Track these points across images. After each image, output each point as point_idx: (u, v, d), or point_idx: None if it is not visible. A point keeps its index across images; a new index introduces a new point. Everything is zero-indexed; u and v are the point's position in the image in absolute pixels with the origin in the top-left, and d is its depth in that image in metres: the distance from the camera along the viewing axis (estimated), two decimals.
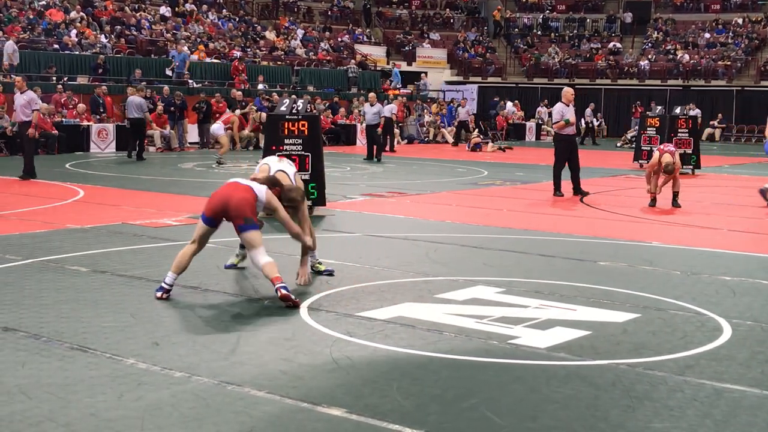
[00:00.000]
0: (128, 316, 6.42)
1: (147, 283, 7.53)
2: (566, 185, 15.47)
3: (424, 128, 33.74)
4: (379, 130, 22.74)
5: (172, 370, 5.15)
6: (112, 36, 30.65)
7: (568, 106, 15.41)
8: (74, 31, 29.14)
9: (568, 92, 15.64)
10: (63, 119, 23.77)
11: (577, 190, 15.27)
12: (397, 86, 34.83)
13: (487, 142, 29.69)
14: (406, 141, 32.25)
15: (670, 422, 4.50)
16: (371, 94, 24.48)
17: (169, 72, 28.97)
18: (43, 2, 31.05)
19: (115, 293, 7.14)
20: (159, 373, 5.11)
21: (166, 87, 26.86)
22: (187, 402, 4.64)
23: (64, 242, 9.48)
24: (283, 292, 6.72)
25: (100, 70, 27.23)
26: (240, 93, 28.20)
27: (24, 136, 16.31)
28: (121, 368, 5.18)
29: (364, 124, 26.77)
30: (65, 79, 26.21)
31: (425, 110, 34.15)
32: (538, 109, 38.65)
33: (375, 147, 22.70)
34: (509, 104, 38.46)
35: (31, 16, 29.34)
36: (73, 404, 4.57)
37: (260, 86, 30.73)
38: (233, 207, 6.96)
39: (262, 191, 7.12)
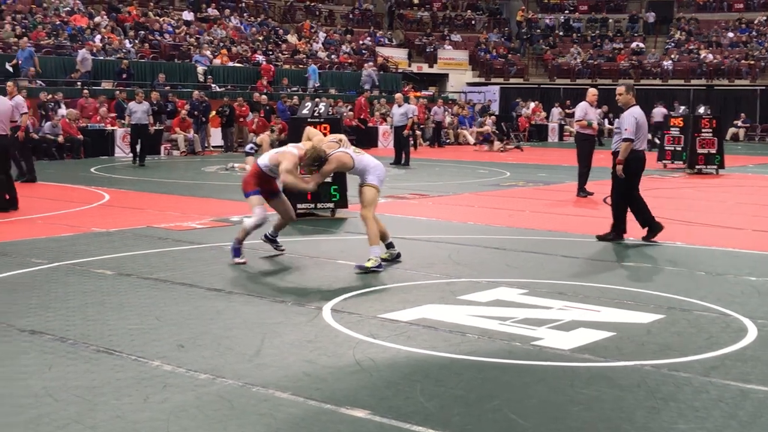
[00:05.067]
0: (153, 318, 6.46)
1: (172, 285, 7.58)
2: (589, 186, 15.40)
3: (445, 130, 33.69)
4: (406, 131, 22.67)
5: (197, 372, 5.18)
6: (136, 41, 30.86)
7: (592, 106, 15.37)
8: (98, 37, 29.38)
9: (591, 93, 15.62)
10: (88, 124, 23.94)
11: (583, 191, 15.24)
12: (315, 85, 33.23)
13: (492, 141, 29.92)
14: (427, 143, 32.24)
15: (695, 423, 4.48)
16: (398, 95, 24.34)
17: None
18: (68, 8, 31.32)
19: (140, 296, 7.19)
20: (184, 375, 5.15)
21: (195, 92, 26.97)
22: (212, 404, 4.67)
23: (90, 246, 9.57)
24: (231, 256, 8.68)
25: (124, 75, 27.41)
26: (264, 97, 28.30)
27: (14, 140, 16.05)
28: (146, 370, 5.22)
29: (388, 126, 26.75)
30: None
31: (446, 112, 34.12)
32: (553, 110, 38.39)
33: (404, 153, 22.60)
34: (532, 105, 38.38)
35: (57, 22, 29.60)
36: (99, 406, 4.61)
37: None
38: (242, 185, 8.95)
39: (264, 158, 8.80)
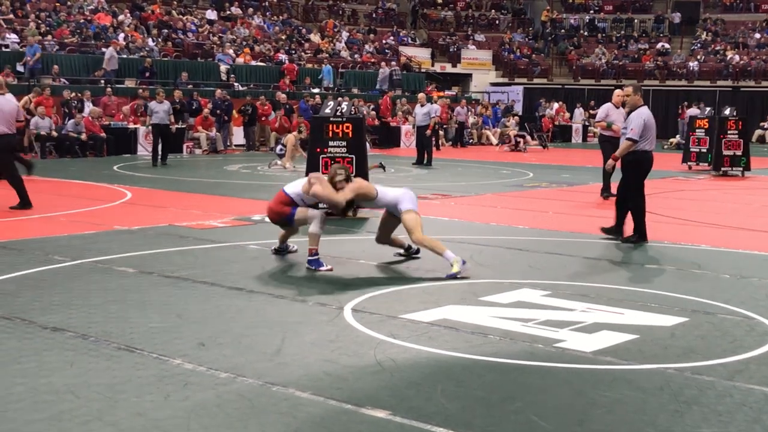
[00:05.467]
0: (175, 316, 6.48)
1: (193, 284, 7.60)
2: (613, 188, 15.29)
3: (468, 130, 33.65)
4: (428, 131, 22.64)
5: (218, 371, 5.19)
6: (159, 40, 31.00)
7: (617, 108, 15.22)
8: (122, 35, 29.54)
9: (616, 94, 15.49)
10: (111, 122, 24.05)
11: (607, 191, 15.11)
12: (329, 85, 32.96)
13: (523, 136, 30.02)
14: (450, 143, 32.19)
15: (719, 427, 4.43)
16: (420, 95, 24.33)
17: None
18: (92, 6, 31.53)
19: (161, 294, 7.21)
20: (205, 373, 5.15)
21: (218, 90, 27.03)
22: (233, 402, 4.67)
23: (112, 243, 9.61)
24: (308, 266, 8.27)
25: (147, 74, 27.53)
26: (284, 96, 28.34)
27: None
28: (167, 368, 5.23)
29: (411, 126, 26.59)
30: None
31: (470, 112, 34.07)
32: (575, 110, 38.18)
33: (426, 153, 22.55)
34: (555, 105, 38.25)
35: (81, 20, 29.79)
36: (120, 404, 4.62)
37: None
38: (271, 216, 8.72)
39: (296, 188, 8.52)
